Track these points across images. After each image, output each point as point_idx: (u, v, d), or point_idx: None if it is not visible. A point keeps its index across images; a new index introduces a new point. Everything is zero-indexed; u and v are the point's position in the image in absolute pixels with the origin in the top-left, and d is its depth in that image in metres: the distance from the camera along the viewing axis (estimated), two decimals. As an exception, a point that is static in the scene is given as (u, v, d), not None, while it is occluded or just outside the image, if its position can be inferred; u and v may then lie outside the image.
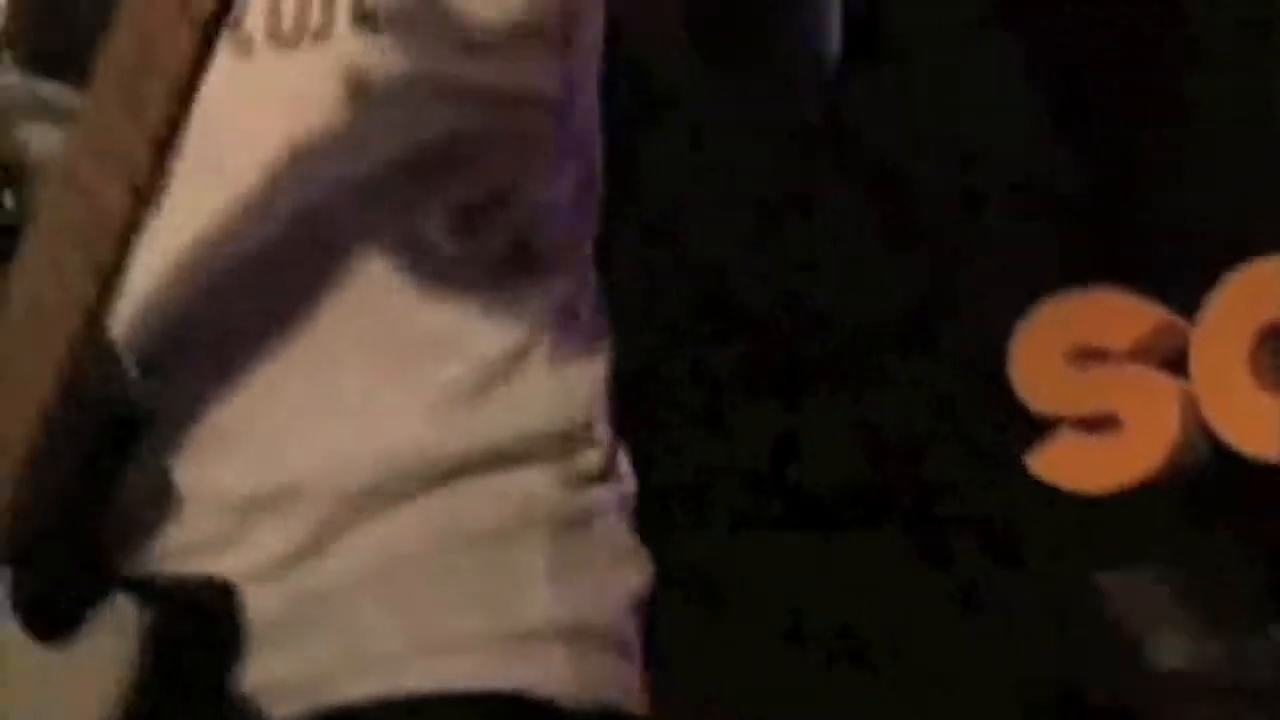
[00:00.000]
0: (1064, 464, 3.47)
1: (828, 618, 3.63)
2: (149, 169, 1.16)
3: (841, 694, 3.56)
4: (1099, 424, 3.48)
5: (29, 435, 1.22)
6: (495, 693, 1.27)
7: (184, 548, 1.31)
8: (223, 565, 1.28)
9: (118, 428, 1.26)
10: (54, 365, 1.20)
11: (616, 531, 1.37)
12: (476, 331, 1.32)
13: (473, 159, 1.33)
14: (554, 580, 1.31)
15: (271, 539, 1.29)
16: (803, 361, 3.77)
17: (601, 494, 1.36)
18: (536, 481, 1.32)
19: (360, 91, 1.30)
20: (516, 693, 1.27)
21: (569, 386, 1.35)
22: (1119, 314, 3.51)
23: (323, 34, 1.31)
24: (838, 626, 3.63)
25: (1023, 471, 3.48)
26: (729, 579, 3.65)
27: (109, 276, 1.19)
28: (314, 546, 1.29)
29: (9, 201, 1.28)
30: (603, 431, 1.37)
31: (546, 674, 1.29)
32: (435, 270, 1.31)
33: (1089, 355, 3.49)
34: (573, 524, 1.33)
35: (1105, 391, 3.49)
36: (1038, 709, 3.47)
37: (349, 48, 1.31)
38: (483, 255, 1.33)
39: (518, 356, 1.32)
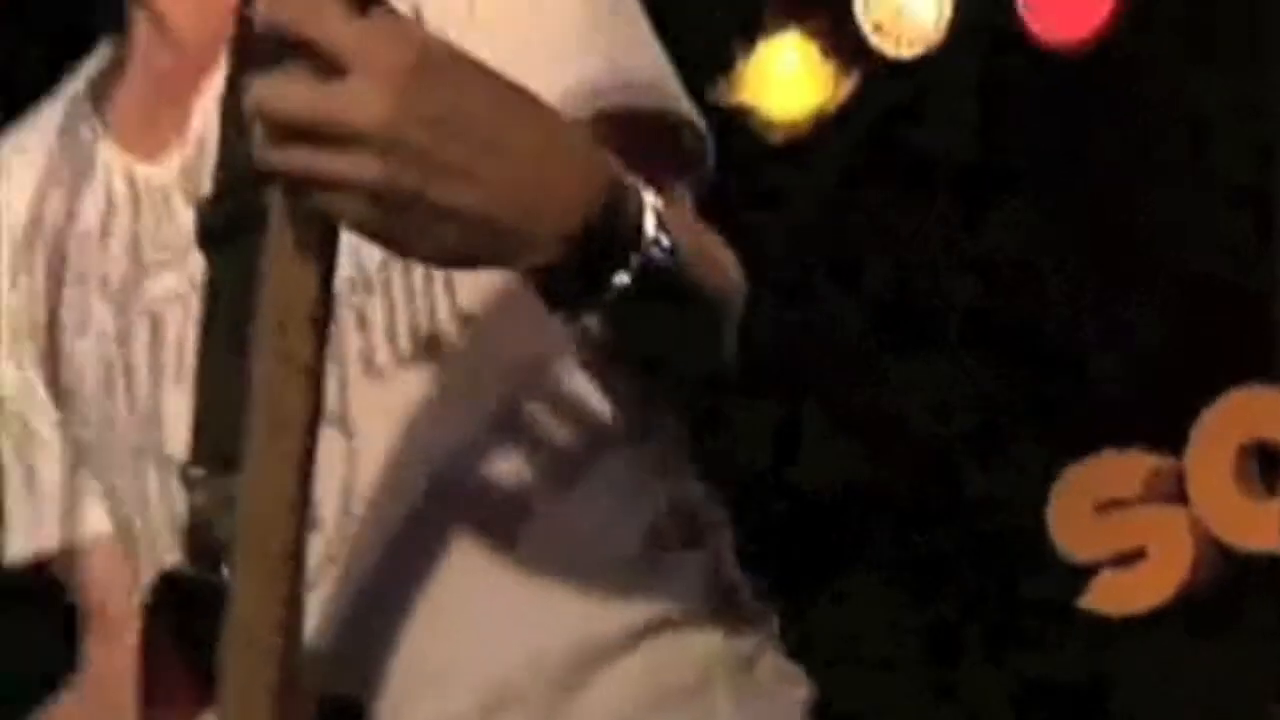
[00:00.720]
0: (1109, 597, 4.37)
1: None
2: (298, 494, 1.28)
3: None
4: (1129, 558, 4.38)
5: None
6: None
7: None
8: None
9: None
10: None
11: (776, 659, 1.59)
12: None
13: None
14: (741, 714, 1.55)
15: None
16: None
17: (759, 633, 1.59)
18: (708, 639, 1.55)
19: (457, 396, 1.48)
20: None
21: (711, 565, 1.58)
22: (1127, 467, 4.42)
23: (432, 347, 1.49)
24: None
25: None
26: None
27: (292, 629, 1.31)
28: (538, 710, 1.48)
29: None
30: (744, 580, 1.60)
31: None
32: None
33: (1111, 505, 4.40)
34: (743, 665, 1.56)
35: (1130, 531, 4.39)
36: None
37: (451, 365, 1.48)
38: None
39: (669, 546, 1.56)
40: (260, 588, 1.29)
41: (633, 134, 1.39)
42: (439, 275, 1.45)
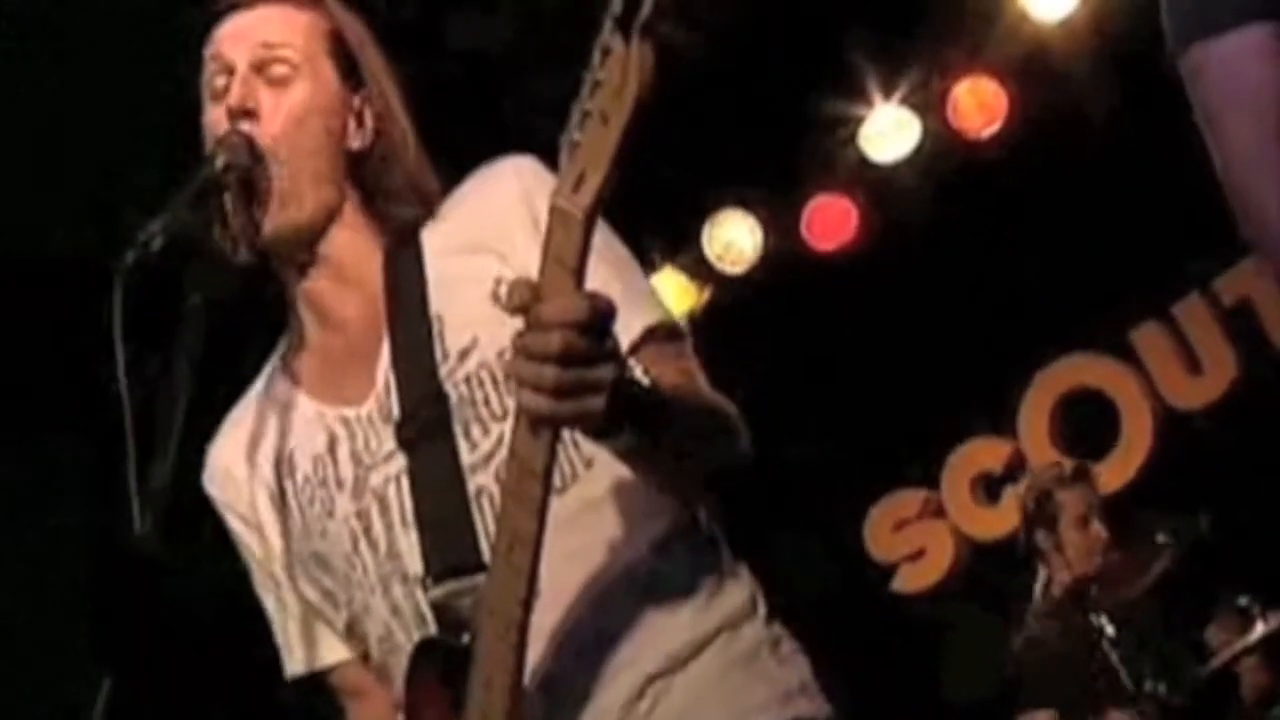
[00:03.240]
0: (906, 581, 6.90)
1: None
2: (523, 609, 1.94)
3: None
4: (914, 556, 6.93)
5: None
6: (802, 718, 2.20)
7: None
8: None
9: None
10: None
11: (790, 640, 2.27)
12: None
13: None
14: (784, 666, 2.24)
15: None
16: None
17: (776, 624, 2.27)
18: (754, 629, 2.24)
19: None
20: (826, 716, 2.25)
21: (748, 584, 2.27)
22: (908, 499, 6.93)
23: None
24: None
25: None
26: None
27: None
28: (665, 683, 2.15)
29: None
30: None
31: (815, 707, 2.23)
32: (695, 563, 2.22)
33: (901, 524, 6.93)
34: (775, 641, 2.25)
35: (913, 539, 6.93)
36: None
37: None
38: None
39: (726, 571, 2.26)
40: (498, 644, 1.95)
41: (664, 334, 2.17)
42: (572, 440, 2.11)
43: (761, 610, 2.24)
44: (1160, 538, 5.09)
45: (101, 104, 4.82)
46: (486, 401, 2.15)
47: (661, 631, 2.15)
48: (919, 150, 6.53)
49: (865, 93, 6.47)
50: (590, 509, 2.15)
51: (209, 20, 2.30)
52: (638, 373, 1.97)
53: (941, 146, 6.53)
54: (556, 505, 2.00)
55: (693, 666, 2.15)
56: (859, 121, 6.52)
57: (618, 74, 1.77)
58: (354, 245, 2.25)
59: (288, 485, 2.28)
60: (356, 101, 2.26)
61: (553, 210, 1.84)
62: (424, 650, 2.13)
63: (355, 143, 2.25)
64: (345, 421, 2.23)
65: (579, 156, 1.81)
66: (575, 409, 1.85)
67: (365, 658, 2.29)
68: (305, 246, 2.23)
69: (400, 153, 2.28)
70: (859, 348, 6.62)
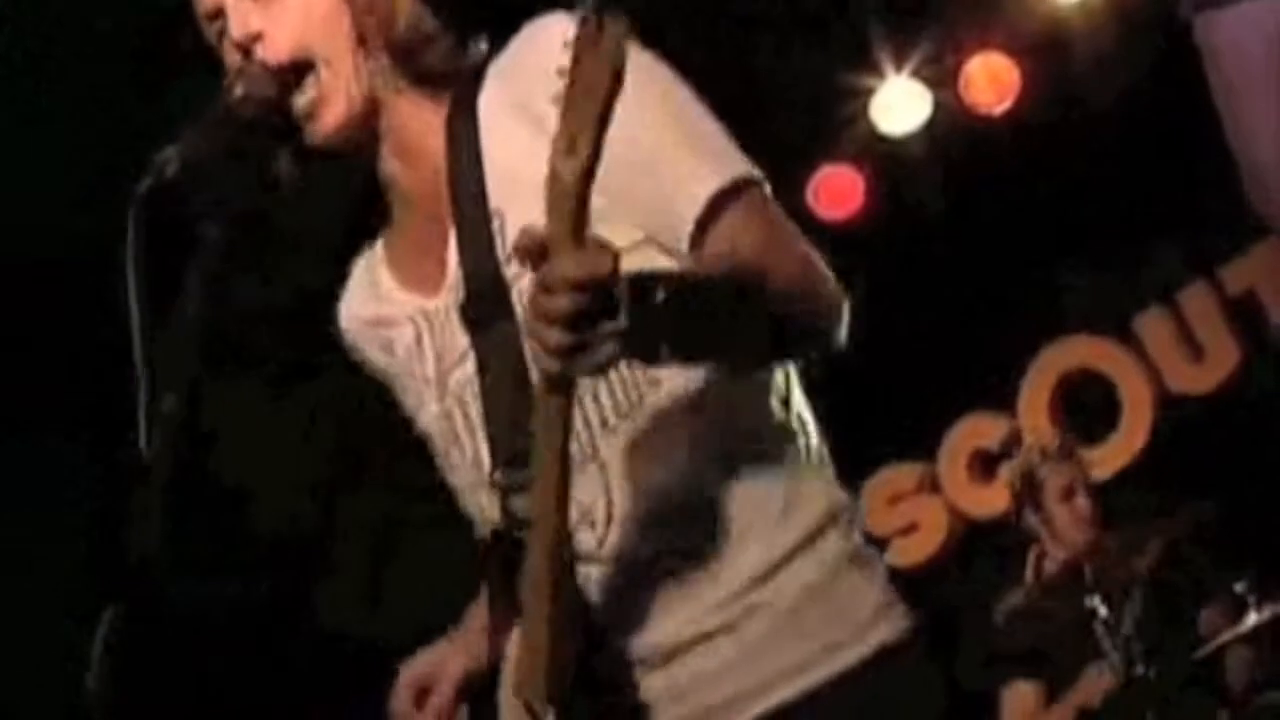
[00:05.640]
0: (899, 555, 6.91)
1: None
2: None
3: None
4: (908, 530, 6.93)
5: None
6: (886, 644, 2.20)
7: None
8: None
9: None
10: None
11: (862, 539, 2.27)
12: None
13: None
14: (866, 583, 2.22)
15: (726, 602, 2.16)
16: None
17: (855, 532, 2.26)
18: (834, 539, 2.22)
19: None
20: (896, 639, 2.21)
21: (828, 487, 2.26)
22: (904, 473, 6.94)
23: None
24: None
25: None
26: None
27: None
28: (755, 593, 2.15)
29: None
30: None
31: (897, 627, 2.22)
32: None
33: (895, 498, 6.93)
34: (856, 550, 2.24)
35: (907, 512, 6.93)
36: None
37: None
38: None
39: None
40: (544, 535, 2.00)
41: (734, 195, 2.12)
42: (633, 366, 2.11)
43: (844, 517, 2.25)
44: (1157, 520, 5.08)
45: (101, 104, 4.84)
46: None
47: (736, 553, 2.16)
48: (930, 124, 6.49)
49: (877, 64, 6.41)
50: (659, 429, 2.16)
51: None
52: (673, 280, 1.95)
53: (953, 121, 6.48)
54: (626, 428, 2.12)
55: (768, 590, 2.17)
56: (870, 92, 6.47)
57: (597, 43, 1.85)
58: (411, 116, 2.27)
59: (392, 369, 2.35)
60: None
61: (551, 172, 1.87)
62: (494, 542, 2.20)
63: (364, 16, 2.24)
64: (425, 314, 2.28)
65: (569, 120, 1.86)
66: (587, 364, 1.87)
67: None
68: (366, 132, 2.25)
69: (393, 5, 2.26)
70: (861, 319, 6.55)
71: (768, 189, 2.21)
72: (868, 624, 2.20)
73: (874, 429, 6.80)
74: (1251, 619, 4.84)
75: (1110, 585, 4.85)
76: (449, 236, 2.24)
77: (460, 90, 2.27)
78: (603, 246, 1.86)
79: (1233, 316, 6.55)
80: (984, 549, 6.60)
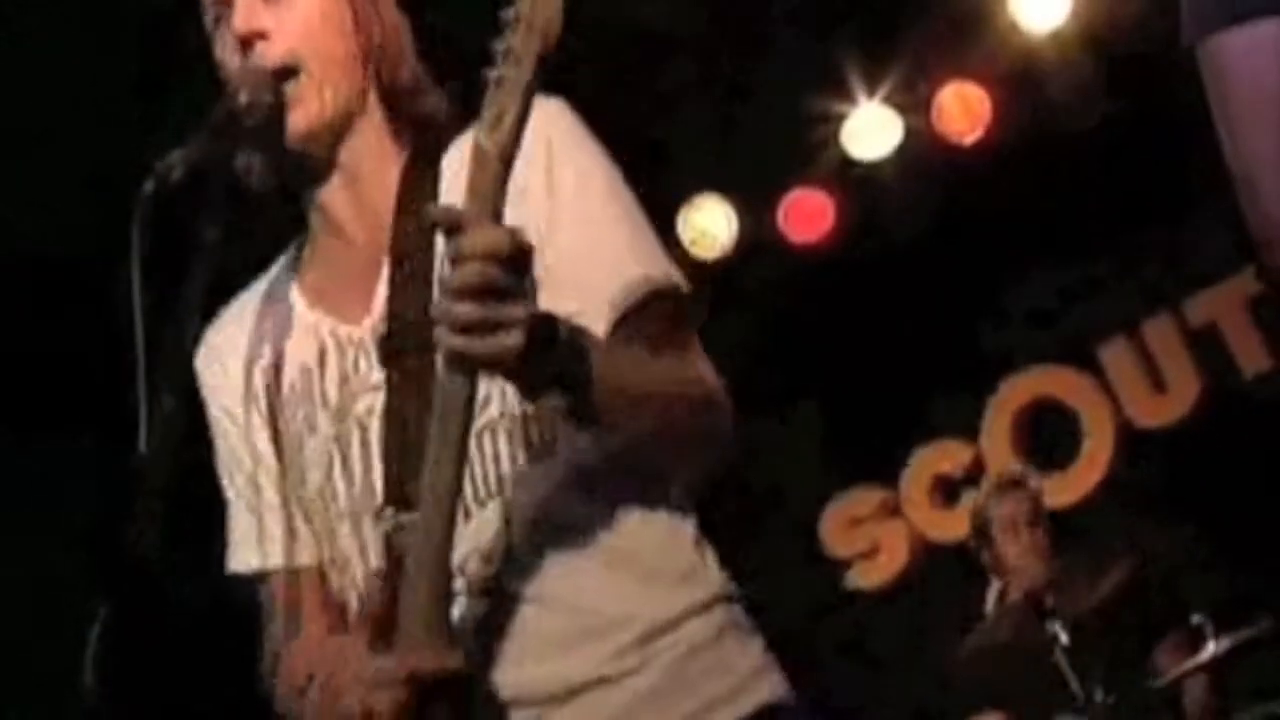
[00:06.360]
0: (860, 577, 6.94)
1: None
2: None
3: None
4: (870, 553, 6.96)
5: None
6: (766, 704, 2.20)
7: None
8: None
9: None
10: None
11: (743, 614, 2.25)
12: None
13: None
14: (747, 650, 2.22)
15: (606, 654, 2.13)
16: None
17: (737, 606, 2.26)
18: (728, 613, 2.22)
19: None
20: (776, 701, 2.20)
21: (718, 568, 2.26)
22: (866, 496, 6.98)
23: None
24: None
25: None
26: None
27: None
28: (651, 645, 2.14)
29: None
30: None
31: (777, 690, 2.21)
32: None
33: (856, 521, 6.97)
34: (738, 621, 2.24)
35: (868, 535, 6.97)
36: None
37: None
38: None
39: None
40: (417, 593, 1.98)
41: (663, 301, 2.13)
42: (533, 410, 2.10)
43: (736, 599, 2.24)
44: (1118, 551, 5.12)
45: (100, 104, 4.82)
46: None
47: (639, 605, 2.16)
48: (900, 151, 6.53)
49: (849, 90, 6.45)
50: (562, 481, 2.15)
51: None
52: (571, 326, 1.96)
53: (923, 149, 6.53)
54: (537, 469, 2.11)
55: (663, 643, 2.15)
56: (842, 118, 6.51)
57: (527, 11, 1.89)
58: (373, 152, 2.28)
59: (272, 389, 2.29)
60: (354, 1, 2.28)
61: (474, 148, 1.90)
62: (372, 585, 2.12)
63: (362, 38, 2.26)
64: (337, 337, 2.25)
65: (497, 95, 1.89)
66: (489, 346, 1.87)
67: (321, 576, 2.28)
68: (327, 147, 2.25)
69: (404, 49, 2.31)
70: (828, 342, 6.64)
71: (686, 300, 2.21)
72: (748, 685, 2.20)
73: (837, 452, 6.90)
74: (1209, 650, 4.88)
75: (1071, 614, 4.88)
76: (380, 271, 2.23)
77: (423, 139, 2.30)
78: (515, 229, 1.88)
79: (1194, 349, 6.59)
80: (945, 573, 6.64)
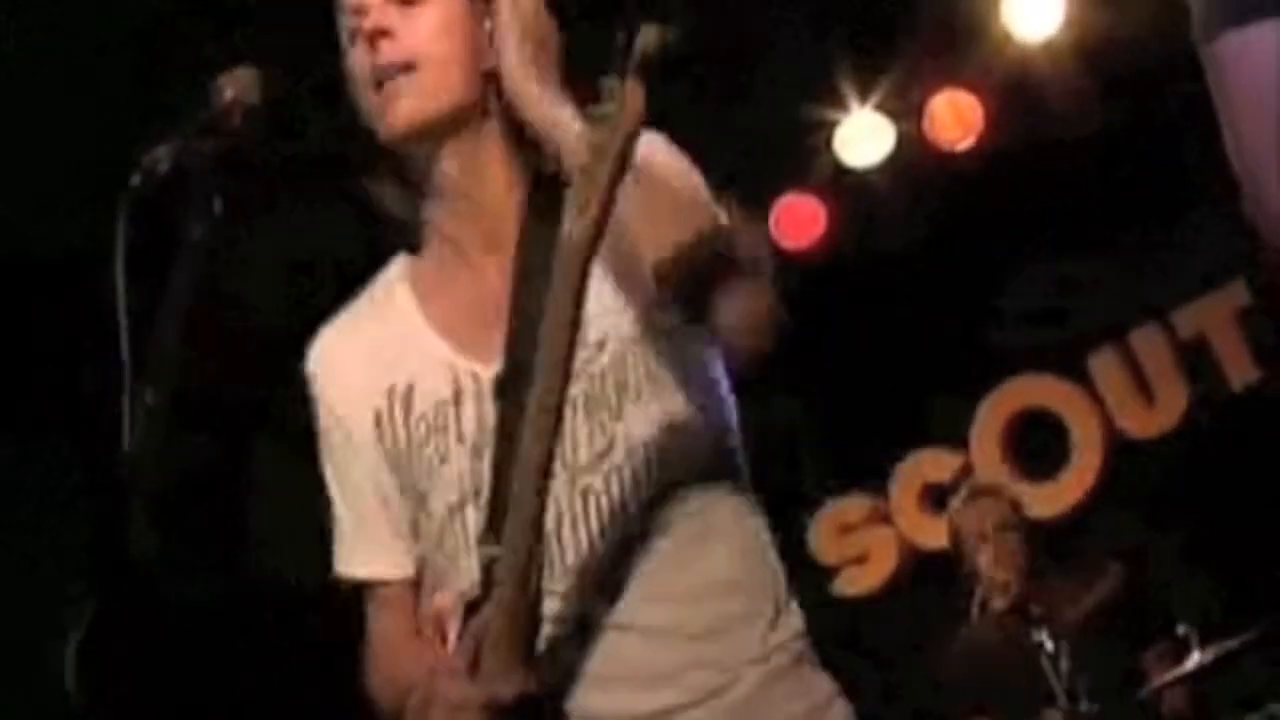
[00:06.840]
0: (848, 584, 6.94)
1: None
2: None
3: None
4: (859, 560, 6.96)
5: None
6: None
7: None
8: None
9: None
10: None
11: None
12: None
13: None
14: (818, 677, 2.33)
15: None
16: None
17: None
18: (805, 646, 2.32)
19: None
20: None
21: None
22: (855, 505, 6.96)
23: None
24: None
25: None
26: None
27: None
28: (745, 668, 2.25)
29: None
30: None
31: (846, 711, 2.33)
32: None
33: (846, 528, 6.97)
34: (811, 650, 2.33)
35: (858, 543, 6.97)
36: None
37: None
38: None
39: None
40: (504, 618, 2.08)
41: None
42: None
43: (804, 626, 2.33)
44: (1105, 561, 5.13)
45: (98, 104, 4.82)
46: (608, 401, 2.23)
47: (731, 646, 2.24)
48: (892, 158, 6.53)
49: (842, 96, 6.45)
50: (671, 519, 2.24)
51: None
52: None
53: (915, 156, 6.53)
54: (642, 509, 2.21)
55: (747, 672, 2.25)
56: (834, 124, 6.52)
57: (615, 113, 1.99)
58: (484, 169, 2.30)
59: (398, 415, 2.32)
60: (489, 22, 2.29)
61: (564, 232, 2.00)
62: (470, 609, 2.19)
63: (490, 60, 2.28)
64: (476, 379, 2.28)
65: (583, 185, 1.99)
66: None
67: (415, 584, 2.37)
68: (428, 148, 2.27)
69: (539, 71, 2.26)
70: (818, 348, 6.51)
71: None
72: (824, 706, 2.32)
73: (827, 459, 6.89)
74: (1194, 660, 4.89)
75: (1056, 622, 4.88)
76: (502, 309, 2.27)
77: (548, 165, 2.28)
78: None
79: (1183, 360, 6.60)
80: (933, 580, 6.63)
